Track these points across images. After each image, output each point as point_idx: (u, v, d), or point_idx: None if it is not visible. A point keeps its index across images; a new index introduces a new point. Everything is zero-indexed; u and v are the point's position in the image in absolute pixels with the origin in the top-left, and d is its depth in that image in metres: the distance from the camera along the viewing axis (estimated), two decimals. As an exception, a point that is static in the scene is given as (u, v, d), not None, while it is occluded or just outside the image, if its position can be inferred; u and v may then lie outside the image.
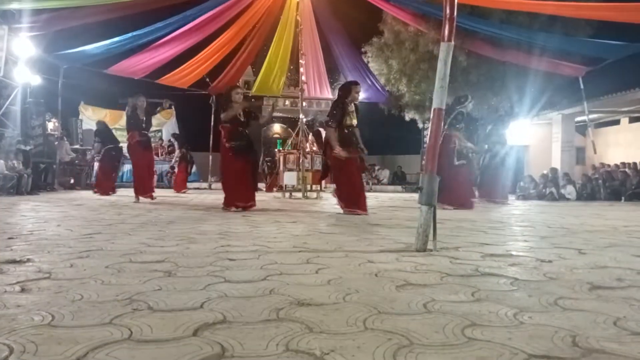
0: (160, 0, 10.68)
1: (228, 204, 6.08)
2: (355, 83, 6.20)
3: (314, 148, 10.58)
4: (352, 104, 5.86)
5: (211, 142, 15.02)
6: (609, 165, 14.52)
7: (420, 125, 16.60)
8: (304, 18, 12.21)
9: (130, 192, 8.60)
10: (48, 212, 5.51)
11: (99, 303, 1.59)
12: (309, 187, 10.12)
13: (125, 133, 8.34)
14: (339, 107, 5.83)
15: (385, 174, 19.36)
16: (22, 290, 1.77)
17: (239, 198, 6.10)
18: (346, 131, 5.75)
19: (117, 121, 15.98)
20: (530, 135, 17.23)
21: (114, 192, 9.83)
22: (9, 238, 3.19)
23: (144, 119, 7.98)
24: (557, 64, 11.38)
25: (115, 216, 5.12)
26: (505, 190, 9.39)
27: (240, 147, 6.10)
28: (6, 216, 5.06)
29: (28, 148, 10.98)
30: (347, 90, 5.89)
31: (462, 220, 5.14)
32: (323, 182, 10.17)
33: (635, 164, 13.47)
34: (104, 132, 10.31)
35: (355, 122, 5.84)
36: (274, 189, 12.13)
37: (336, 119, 5.78)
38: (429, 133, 3.07)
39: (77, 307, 1.53)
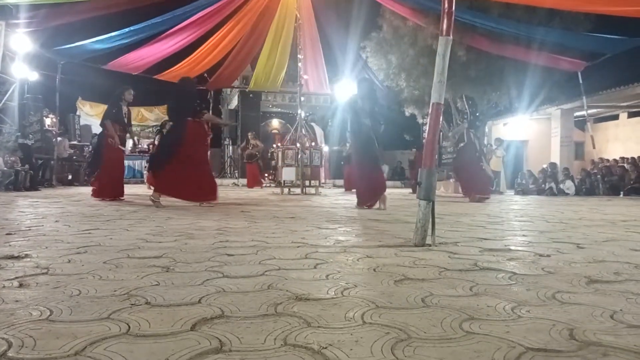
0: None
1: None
2: None
3: (313, 143, 10.56)
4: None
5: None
6: (607, 160, 14.55)
7: (420, 121, 16.59)
8: (302, 13, 12.18)
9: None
10: (46, 208, 5.51)
11: (97, 298, 1.59)
12: (307, 182, 10.13)
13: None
14: None
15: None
16: (21, 285, 1.77)
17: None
18: None
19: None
20: (529, 130, 17.25)
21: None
22: (7, 234, 3.19)
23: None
24: (556, 59, 11.36)
25: (114, 212, 5.11)
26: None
27: None
28: (4, 212, 5.06)
29: (30, 143, 10.97)
30: None
31: (461, 215, 5.14)
32: (322, 177, 10.15)
33: (634, 158, 13.48)
34: None
35: None
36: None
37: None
38: (427, 128, 3.07)
39: (75, 302, 1.53)
